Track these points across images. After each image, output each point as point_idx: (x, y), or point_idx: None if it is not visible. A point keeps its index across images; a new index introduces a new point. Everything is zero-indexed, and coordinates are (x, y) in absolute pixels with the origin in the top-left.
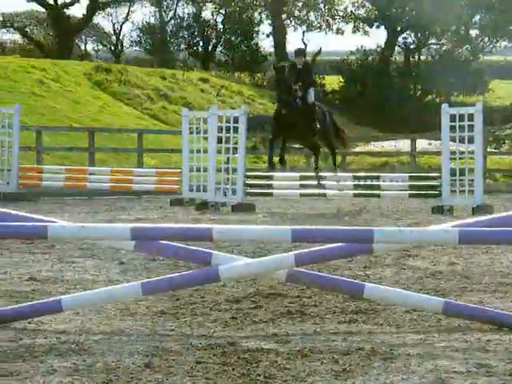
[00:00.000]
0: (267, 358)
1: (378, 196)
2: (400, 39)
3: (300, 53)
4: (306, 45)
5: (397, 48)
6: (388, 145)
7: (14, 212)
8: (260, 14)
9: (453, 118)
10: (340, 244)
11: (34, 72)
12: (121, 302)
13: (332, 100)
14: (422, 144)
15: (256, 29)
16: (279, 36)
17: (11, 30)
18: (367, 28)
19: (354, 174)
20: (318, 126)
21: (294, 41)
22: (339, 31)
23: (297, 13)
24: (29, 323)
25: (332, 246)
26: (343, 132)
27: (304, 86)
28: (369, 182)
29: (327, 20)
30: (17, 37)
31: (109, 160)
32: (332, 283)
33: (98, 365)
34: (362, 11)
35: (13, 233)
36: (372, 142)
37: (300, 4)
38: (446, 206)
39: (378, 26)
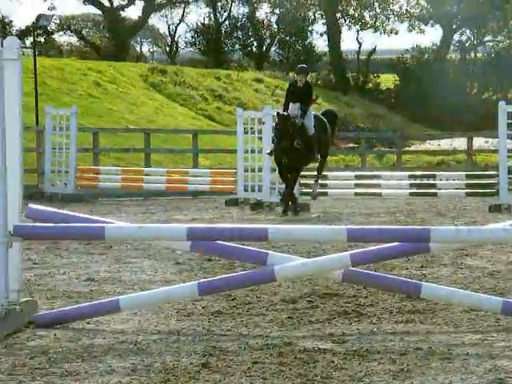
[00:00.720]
0: (324, 358)
1: (435, 195)
2: (455, 37)
3: (302, 71)
4: (360, 44)
5: (452, 46)
6: (444, 143)
7: (71, 213)
8: (314, 13)
9: (510, 115)
10: (396, 243)
11: (91, 74)
12: (177, 303)
13: (387, 98)
14: (478, 142)
15: (310, 28)
16: (333, 35)
17: (68, 32)
18: (422, 26)
19: (410, 173)
20: (315, 152)
21: (348, 39)
22: (393, 31)
23: (351, 11)
24: (87, 323)
25: (388, 245)
26: (332, 143)
27: (303, 106)
28: (425, 181)
29: (382, 19)
30: (74, 39)
31: (164, 161)
32: (388, 283)
33: (156, 365)
34: (417, 10)
35: (71, 234)
36: (428, 141)
37: (354, 3)
38: (503, 204)
39: (432, 24)
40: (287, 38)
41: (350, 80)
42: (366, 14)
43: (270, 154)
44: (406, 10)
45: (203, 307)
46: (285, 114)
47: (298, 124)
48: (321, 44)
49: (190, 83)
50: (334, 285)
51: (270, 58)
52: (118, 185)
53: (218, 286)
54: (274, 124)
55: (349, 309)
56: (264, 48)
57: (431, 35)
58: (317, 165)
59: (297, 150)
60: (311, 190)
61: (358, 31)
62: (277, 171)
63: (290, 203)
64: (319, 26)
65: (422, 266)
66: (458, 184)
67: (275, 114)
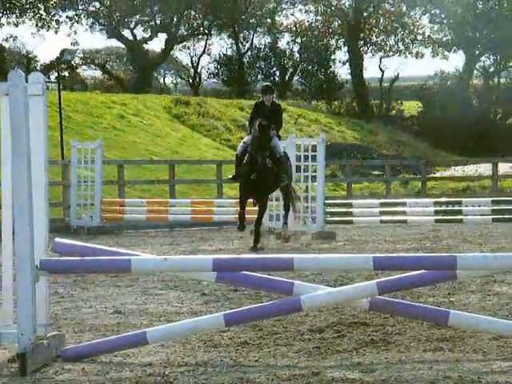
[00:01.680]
0: None
1: (461, 221)
2: (479, 63)
3: (267, 90)
4: (383, 71)
5: (475, 71)
6: (469, 169)
7: (97, 246)
8: (336, 41)
9: None
10: (423, 271)
11: (115, 107)
12: (204, 334)
13: (411, 125)
14: (503, 167)
15: (332, 57)
16: (356, 63)
17: (92, 66)
18: (446, 52)
19: (436, 200)
20: (284, 176)
21: (370, 67)
22: (418, 55)
23: (374, 39)
24: (115, 356)
25: (415, 273)
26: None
27: (274, 126)
28: (450, 208)
29: (406, 44)
30: (98, 73)
31: (189, 191)
32: (416, 311)
33: None
34: (440, 35)
35: (97, 267)
36: (453, 167)
37: (377, 30)
38: None
39: (455, 50)
40: (309, 67)
41: (373, 107)
42: (390, 40)
43: (233, 178)
44: (429, 35)
45: (230, 338)
46: (264, 123)
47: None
48: (343, 72)
49: (214, 114)
50: (361, 313)
51: (293, 87)
52: (143, 216)
53: (245, 316)
54: (246, 137)
55: (376, 337)
56: (286, 77)
57: (454, 61)
58: (281, 201)
59: (268, 167)
60: (281, 232)
61: (380, 58)
62: (301, 199)
63: (254, 237)
64: (341, 55)
65: (450, 294)
66: (484, 210)
67: (255, 125)
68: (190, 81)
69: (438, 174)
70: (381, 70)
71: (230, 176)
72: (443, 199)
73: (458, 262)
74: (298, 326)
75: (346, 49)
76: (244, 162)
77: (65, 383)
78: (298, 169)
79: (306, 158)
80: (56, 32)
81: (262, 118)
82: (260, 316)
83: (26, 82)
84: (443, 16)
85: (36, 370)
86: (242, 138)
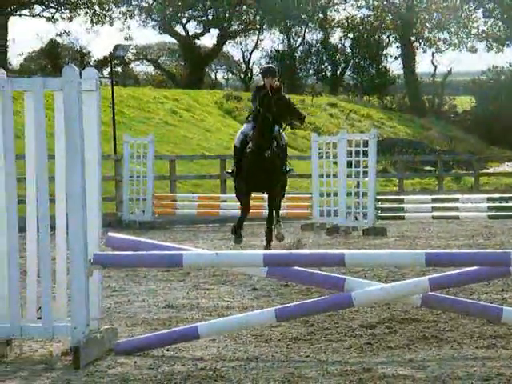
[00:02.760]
0: None
1: None
2: None
3: (268, 72)
4: (435, 66)
5: None
6: None
7: (150, 241)
8: (388, 36)
9: None
10: (475, 267)
11: (167, 102)
12: (255, 329)
13: (463, 120)
14: None
15: (384, 52)
16: (408, 58)
17: (145, 61)
18: (500, 46)
19: (489, 196)
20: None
21: (423, 62)
22: (472, 49)
23: (426, 34)
24: (167, 350)
25: (467, 269)
26: None
27: (277, 118)
28: (504, 203)
29: (460, 38)
30: (150, 68)
31: None
32: (469, 307)
33: None
34: (494, 30)
35: (149, 262)
36: (506, 162)
37: (429, 25)
38: None
39: (508, 45)
40: (361, 62)
41: (425, 103)
42: (443, 34)
43: (231, 173)
44: (483, 30)
45: (281, 333)
46: (268, 115)
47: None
48: (395, 67)
49: None
50: (412, 309)
51: (345, 83)
52: (194, 211)
53: (296, 311)
54: (245, 126)
55: (428, 334)
56: (338, 72)
57: (508, 55)
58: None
59: (277, 154)
60: (274, 232)
61: (433, 53)
62: (352, 195)
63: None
64: (393, 49)
65: (503, 290)
66: None
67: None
68: (242, 76)
69: (491, 170)
70: (433, 64)
71: (230, 170)
72: (496, 195)
73: (511, 258)
74: (349, 321)
75: (398, 44)
76: (247, 152)
77: (117, 377)
78: (349, 164)
79: (358, 153)
80: (111, 25)
81: (265, 109)
82: (311, 311)
83: (80, 77)
84: (497, 10)
85: (89, 363)
86: (293, 134)
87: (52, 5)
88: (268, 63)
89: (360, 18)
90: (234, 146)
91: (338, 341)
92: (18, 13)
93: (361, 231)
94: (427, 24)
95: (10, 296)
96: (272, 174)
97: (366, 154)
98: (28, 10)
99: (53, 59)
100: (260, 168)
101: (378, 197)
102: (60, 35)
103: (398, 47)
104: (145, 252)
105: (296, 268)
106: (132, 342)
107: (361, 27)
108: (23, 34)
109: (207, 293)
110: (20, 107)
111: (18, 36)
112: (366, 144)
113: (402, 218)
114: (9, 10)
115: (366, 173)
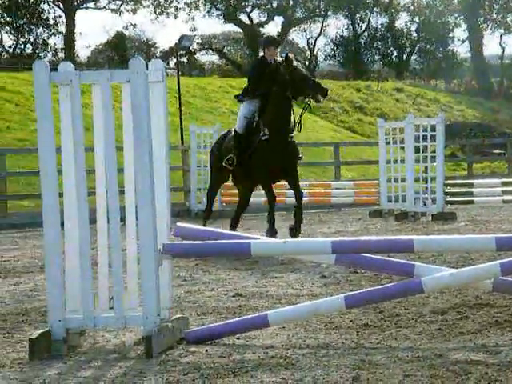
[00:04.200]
0: (477, 370)
1: None
2: None
3: (271, 41)
4: (503, 48)
5: None
6: None
7: (218, 230)
8: (455, 19)
9: None
10: None
11: (233, 91)
12: (325, 316)
13: None
14: None
15: (451, 35)
16: (475, 41)
17: (209, 51)
18: None
19: None
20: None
21: (491, 44)
22: None
23: (494, 15)
24: (237, 339)
25: None
26: None
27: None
28: None
29: None
30: (215, 58)
31: (306, 174)
32: None
33: (307, 379)
34: None
35: (218, 251)
36: None
37: (497, 6)
38: None
39: None
40: (427, 46)
41: (493, 85)
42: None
43: (231, 164)
44: None
45: (351, 320)
46: (288, 94)
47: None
48: (463, 50)
49: (330, 96)
50: (484, 295)
51: (411, 67)
52: (261, 200)
53: (365, 298)
54: (243, 108)
55: (501, 319)
56: (404, 57)
57: None
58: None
59: (294, 141)
60: (293, 228)
61: (501, 35)
62: (420, 180)
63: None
64: (460, 32)
65: None
66: None
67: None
68: (307, 63)
69: None
70: (501, 47)
71: (230, 162)
72: None
73: None
74: (419, 307)
75: (465, 26)
76: (262, 139)
77: (189, 365)
78: (417, 149)
79: (425, 138)
80: (175, 18)
81: (281, 87)
82: (381, 298)
83: (147, 69)
84: None
85: (161, 352)
86: (360, 120)
87: None
88: (333, 50)
89: (426, 1)
90: (236, 133)
91: (409, 327)
92: (84, 6)
93: (430, 217)
94: (494, 5)
95: (82, 287)
96: (295, 158)
97: (433, 138)
98: (94, 3)
99: (119, 51)
100: (284, 155)
101: (447, 181)
102: (126, 27)
103: (464, 30)
104: (213, 241)
105: (365, 255)
106: (203, 331)
107: (427, 10)
108: (90, 26)
109: (276, 281)
110: (88, 100)
111: (84, 29)
112: (433, 128)
113: (472, 202)
114: (75, 3)
115: (434, 157)
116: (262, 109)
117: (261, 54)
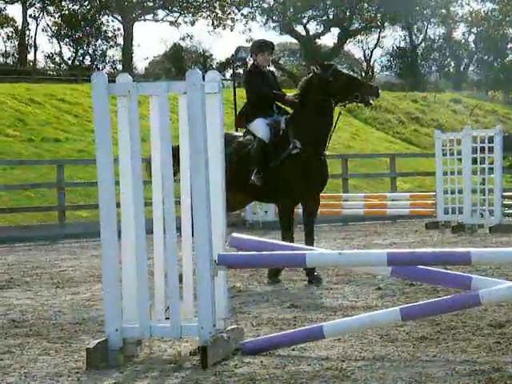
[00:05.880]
0: None
1: None
2: None
3: (265, 46)
4: None
5: None
6: None
7: (273, 241)
8: None
9: None
10: None
11: None
12: (380, 328)
13: None
14: None
15: (509, 45)
16: None
17: None
18: None
19: None
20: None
21: None
22: None
23: None
24: (292, 350)
25: None
26: None
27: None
28: None
29: None
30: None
31: (361, 185)
32: None
33: None
34: None
35: (273, 262)
36: None
37: None
38: None
39: None
40: (485, 57)
41: None
42: None
43: (260, 177)
44: None
45: (407, 333)
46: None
47: None
48: None
49: (387, 107)
50: None
51: (468, 78)
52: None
53: (422, 311)
54: (259, 120)
55: None
56: (462, 68)
57: None
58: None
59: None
60: (315, 274)
61: None
62: (477, 192)
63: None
64: None
65: None
66: None
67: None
68: (363, 74)
69: None
70: None
71: (259, 176)
72: None
73: None
74: (476, 320)
75: None
76: (292, 153)
77: (245, 376)
78: (475, 161)
79: (483, 149)
80: (231, 30)
81: (318, 92)
82: (437, 311)
83: (203, 80)
84: None
85: (216, 362)
86: (416, 131)
87: (175, 9)
88: (389, 61)
89: (484, 11)
90: (259, 141)
91: (466, 340)
92: (142, 18)
93: (487, 229)
94: None
95: (139, 297)
96: (326, 181)
97: (491, 150)
98: (152, 15)
99: (176, 62)
100: (315, 175)
101: (505, 193)
102: (183, 39)
103: None
104: (268, 252)
105: (421, 267)
106: (258, 342)
107: (485, 21)
108: (147, 38)
109: (331, 292)
110: (145, 111)
111: (142, 41)
112: (491, 140)
113: None
114: (133, 15)
115: (491, 169)
116: (291, 117)
117: (250, 62)
